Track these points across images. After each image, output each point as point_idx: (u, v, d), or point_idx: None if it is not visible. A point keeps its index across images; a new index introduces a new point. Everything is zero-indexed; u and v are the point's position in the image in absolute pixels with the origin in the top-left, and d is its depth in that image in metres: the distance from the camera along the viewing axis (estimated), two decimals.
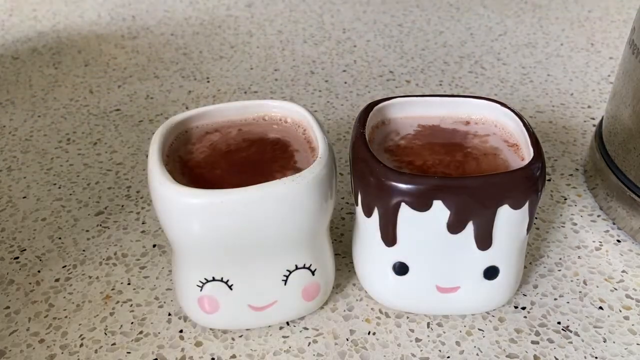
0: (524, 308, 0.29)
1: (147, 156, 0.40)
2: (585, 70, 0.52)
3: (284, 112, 0.29)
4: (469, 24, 0.62)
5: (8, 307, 0.29)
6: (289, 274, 0.26)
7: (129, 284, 0.30)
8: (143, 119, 0.45)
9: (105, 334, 0.28)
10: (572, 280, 0.30)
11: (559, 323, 0.28)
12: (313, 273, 0.26)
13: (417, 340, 0.27)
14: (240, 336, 0.27)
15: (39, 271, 0.31)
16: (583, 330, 0.27)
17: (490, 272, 0.26)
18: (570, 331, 0.27)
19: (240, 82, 0.51)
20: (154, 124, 0.45)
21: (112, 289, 0.30)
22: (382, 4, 0.68)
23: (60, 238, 0.33)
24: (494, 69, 0.52)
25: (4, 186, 0.38)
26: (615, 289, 0.30)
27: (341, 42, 0.58)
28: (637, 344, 0.27)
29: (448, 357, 0.26)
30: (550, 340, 0.27)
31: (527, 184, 0.24)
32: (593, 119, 0.44)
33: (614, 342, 0.27)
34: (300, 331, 0.28)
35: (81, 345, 0.27)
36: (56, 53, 0.57)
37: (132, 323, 0.28)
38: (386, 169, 0.24)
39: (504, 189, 0.23)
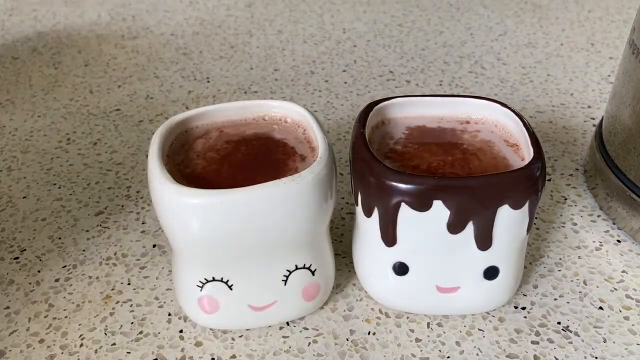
0: (524, 308, 0.29)
1: (147, 156, 0.40)
2: (585, 70, 0.52)
3: (284, 112, 0.29)
4: (469, 24, 0.62)
5: (8, 307, 0.29)
6: (289, 274, 0.26)
7: (129, 284, 0.30)
8: (143, 119, 0.45)
9: (105, 334, 0.28)
10: (572, 280, 0.30)
11: (559, 323, 0.28)
12: (313, 273, 0.26)
13: (417, 340, 0.27)
14: (240, 336, 0.27)
15: (39, 271, 0.31)
16: (583, 331, 0.27)
17: (490, 272, 0.26)
18: (570, 331, 0.27)
19: (240, 82, 0.51)
20: (154, 124, 0.45)
21: (112, 289, 0.30)
22: (382, 4, 0.68)
23: (60, 238, 0.33)
24: (494, 69, 0.52)
25: (4, 186, 0.38)
26: (615, 289, 0.30)
27: (341, 42, 0.58)
28: (637, 344, 0.27)
29: (448, 357, 0.26)
30: (550, 340, 0.27)
31: (527, 184, 0.24)
32: (593, 119, 0.44)
33: (614, 342, 0.27)
34: (300, 331, 0.28)
35: (81, 345, 0.27)
36: (56, 53, 0.57)
37: (132, 323, 0.28)
38: (386, 169, 0.24)
39: (504, 189, 0.23)
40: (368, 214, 0.25)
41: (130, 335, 0.28)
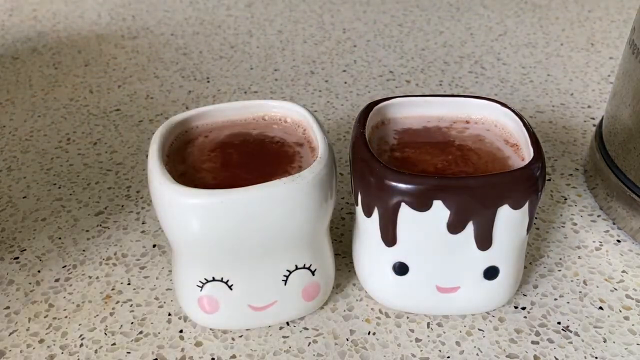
0: (524, 308, 0.29)
1: (147, 156, 0.40)
2: (585, 70, 0.52)
3: (284, 112, 0.29)
4: (469, 24, 0.62)
5: (8, 307, 0.29)
6: (289, 274, 0.26)
7: (129, 284, 0.30)
8: (143, 119, 0.45)
9: (105, 334, 0.28)
10: (572, 280, 0.30)
11: (559, 323, 0.28)
12: (313, 273, 0.26)
13: (417, 340, 0.27)
14: (240, 336, 0.27)
15: (39, 271, 0.31)
16: (583, 331, 0.27)
17: (490, 272, 0.26)
18: (570, 331, 0.27)
19: (240, 82, 0.51)
20: (154, 124, 0.45)
21: (112, 289, 0.30)
22: (382, 4, 0.68)
23: (60, 238, 0.33)
24: (494, 69, 0.52)
25: (4, 186, 0.38)
26: (615, 289, 0.30)
27: (341, 42, 0.58)
28: (637, 344, 0.27)
29: (448, 357, 0.26)
30: (550, 340, 0.27)
31: (527, 184, 0.24)
32: (593, 119, 0.44)
33: (614, 342, 0.27)
34: (300, 331, 0.28)
35: (81, 345, 0.27)
36: (56, 53, 0.57)
37: (132, 323, 0.28)
38: (386, 169, 0.24)
39: (504, 189, 0.23)
40: (368, 214, 0.25)
41: (130, 335, 0.28)
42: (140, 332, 0.28)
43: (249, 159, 0.26)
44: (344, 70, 0.52)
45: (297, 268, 0.26)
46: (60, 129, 0.44)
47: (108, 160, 0.40)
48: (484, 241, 0.25)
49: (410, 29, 0.61)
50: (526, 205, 0.24)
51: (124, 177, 0.39)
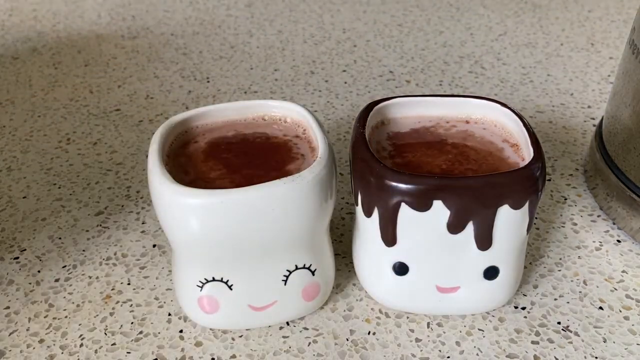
0: (524, 308, 0.29)
1: (147, 156, 0.40)
2: (585, 70, 0.52)
3: (284, 112, 0.29)
4: (469, 24, 0.62)
5: (8, 307, 0.29)
6: (289, 274, 0.26)
7: (129, 284, 0.30)
8: (143, 119, 0.45)
9: (105, 334, 0.28)
10: (572, 280, 0.30)
11: (559, 323, 0.28)
12: (313, 273, 0.26)
13: (417, 340, 0.27)
14: (240, 336, 0.27)
15: (38, 271, 0.31)
16: (583, 330, 0.27)
17: (490, 272, 0.26)
18: (570, 331, 0.27)
19: (240, 82, 0.51)
20: (154, 124, 0.45)
21: (112, 289, 0.30)
22: (382, 4, 0.68)
23: (60, 238, 0.33)
24: (494, 69, 0.52)
25: (4, 186, 0.38)
26: (615, 289, 0.30)
27: (341, 42, 0.58)
28: (637, 344, 0.27)
29: (448, 357, 0.26)
30: (550, 340, 0.27)
31: (527, 184, 0.24)
32: (593, 119, 0.44)
33: (614, 342, 0.27)
34: (300, 331, 0.28)
35: (81, 345, 0.27)
36: (56, 53, 0.57)
37: (132, 323, 0.28)
38: (386, 169, 0.24)
39: (504, 189, 0.23)
40: (368, 214, 0.25)
41: (130, 335, 0.28)
42: (140, 332, 0.28)
43: (248, 159, 0.26)
44: (344, 70, 0.52)
45: (297, 268, 0.26)
46: (60, 129, 0.44)
47: (108, 160, 0.40)
48: (484, 241, 0.25)
49: (410, 29, 0.61)
50: (526, 205, 0.24)
51: (124, 177, 0.39)
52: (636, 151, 0.31)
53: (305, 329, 0.28)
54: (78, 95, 0.49)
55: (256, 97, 0.48)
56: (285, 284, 0.26)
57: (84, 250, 0.33)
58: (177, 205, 0.23)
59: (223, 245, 0.24)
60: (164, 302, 0.29)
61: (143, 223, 0.35)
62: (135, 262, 0.32)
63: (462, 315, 0.28)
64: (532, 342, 0.27)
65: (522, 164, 0.25)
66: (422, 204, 0.23)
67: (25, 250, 0.33)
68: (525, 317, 0.28)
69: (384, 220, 0.25)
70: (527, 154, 0.25)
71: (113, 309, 0.29)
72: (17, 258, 0.32)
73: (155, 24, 0.63)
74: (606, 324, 0.28)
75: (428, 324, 0.28)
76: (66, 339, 0.27)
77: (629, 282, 0.30)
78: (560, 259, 0.32)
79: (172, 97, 0.48)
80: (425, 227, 0.24)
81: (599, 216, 0.35)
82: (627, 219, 0.33)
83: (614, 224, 0.34)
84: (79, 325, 0.28)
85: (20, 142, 0.43)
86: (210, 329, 0.28)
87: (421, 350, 0.27)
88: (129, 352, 0.27)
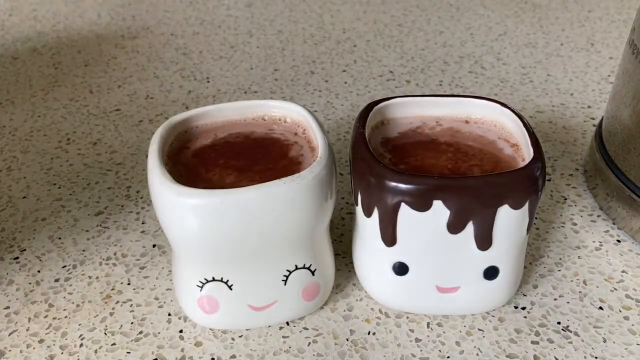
0: (524, 308, 0.29)
1: (147, 156, 0.40)
2: (585, 70, 0.52)
3: (283, 112, 0.29)
4: (469, 24, 0.62)
5: (8, 307, 0.29)
6: (289, 274, 0.26)
7: (129, 284, 0.30)
8: (143, 119, 0.45)
9: (105, 334, 0.28)
10: (572, 280, 0.30)
11: (559, 323, 0.28)
12: (313, 273, 0.26)
13: (417, 340, 0.27)
14: (240, 336, 0.27)
15: (38, 271, 0.31)
16: (583, 330, 0.27)
17: (490, 272, 0.26)
18: (570, 331, 0.27)
19: (240, 82, 0.51)
20: (154, 124, 0.45)
21: (112, 289, 0.30)
22: (382, 4, 0.68)
23: (60, 238, 0.33)
24: (494, 69, 0.52)
25: (4, 186, 0.38)
26: (615, 289, 0.30)
27: (341, 42, 0.58)
28: (637, 344, 0.27)
29: (448, 357, 0.26)
30: (550, 340, 0.27)
31: (527, 184, 0.24)
32: (593, 119, 0.44)
33: (614, 342, 0.27)
34: (300, 331, 0.28)
35: (81, 345, 0.27)
36: (56, 53, 0.57)
37: (132, 323, 0.28)
38: (386, 169, 0.24)
39: (504, 189, 0.23)
40: (368, 214, 0.25)
41: (130, 335, 0.28)
42: (140, 332, 0.28)
43: (248, 159, 0.26)
44: (344, 70, 0.52)
45: (297, 268, 0.26)
46: (60, 129, 0.44)
47: (108, 160, 0.40)
48: (484, 241, 0.25)
49: (410, 29, 0.61)
50: (526, 205, 0.24)
51: (124, 177, 0.39)
52: (636, 151, 0.31)
53: (305, 329, 0.28)
54: (78, 95, 0.49)
55: (256, 97, 0.48)
56: (285, 284, 0.26)
57: (84, 250, 0.33)
58: (177, 205, 0.23)
59: (223, 245, 0.24)
60: (164, 302, 0.29)
61: (143, 223, 0.35)
62: (135, 262, 0.32)
63: (462, 315, 0.28)
64: (532, 342, 0.27)
65: (522, 164, 0.25)
66: (422, 204, 0.23)
67: (25, 250, 0.33)
68: (525, 317, 0.28)
69: (384, 220, 0.25)
70: (527, 154, 0.25)
71: (113, 309, 0.29)
72: (17, 258, 0.32)
73: (155, 24, 0.63)
74: (606, 324, 0.28)
75: (428, 324, 0.28)
76: (66, 339, 0.27)
77: (629, 282, 0.30)
78: (560, 259, 0.32)
79: (172, 97, 0.48)
80: (425, 227, 0.24)
81: (598, 216, 0.35)
82: (627, 219, 0.33)
83: (613, 224, 0.34)
84: (79, 325, 0.28)
85: (20, 142, 0.43)
86: (210, 329, 0.28)
87: (421, 350, 0.27)
88: (129, 352, 0.27)
